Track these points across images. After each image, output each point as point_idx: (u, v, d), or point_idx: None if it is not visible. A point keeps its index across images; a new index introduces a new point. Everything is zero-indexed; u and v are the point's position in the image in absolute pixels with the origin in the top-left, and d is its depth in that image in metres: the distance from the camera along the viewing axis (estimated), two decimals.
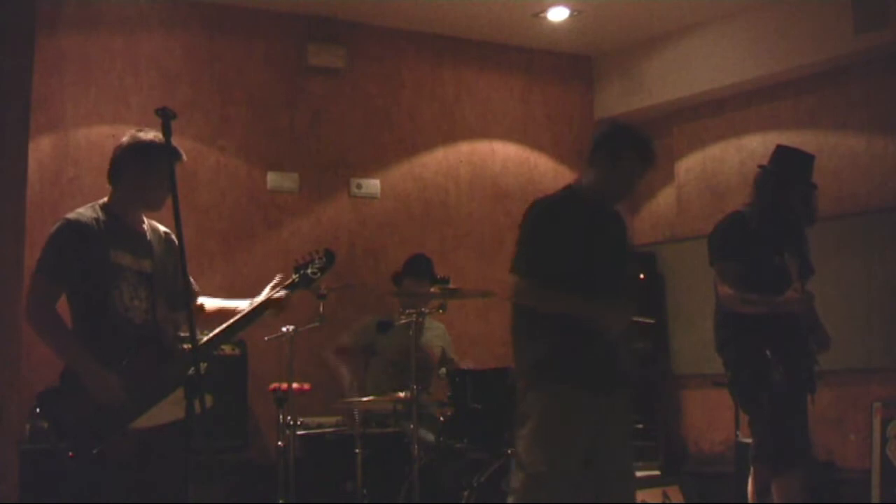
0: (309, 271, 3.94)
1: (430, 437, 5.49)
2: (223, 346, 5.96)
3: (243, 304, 3.85)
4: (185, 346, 3.67)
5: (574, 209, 3.92)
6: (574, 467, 3.72)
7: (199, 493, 3.14)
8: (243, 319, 3.79)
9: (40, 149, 6.06)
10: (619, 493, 3.86)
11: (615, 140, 3.95)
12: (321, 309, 5.35)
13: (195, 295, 3.85)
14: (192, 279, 3.71)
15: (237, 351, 6.12)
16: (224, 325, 3.78)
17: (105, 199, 3.71)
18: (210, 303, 3.94)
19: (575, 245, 3.85)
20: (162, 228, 3.82)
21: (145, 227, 3.76)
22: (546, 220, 3.91)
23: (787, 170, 4.81)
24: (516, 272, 3.91)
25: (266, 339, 5.47)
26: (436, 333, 6.24)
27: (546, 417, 3.78)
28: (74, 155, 6.22)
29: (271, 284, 3.89)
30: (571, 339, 3.80)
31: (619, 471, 3.88)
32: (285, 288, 3.88)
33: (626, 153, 3.90)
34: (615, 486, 3.85)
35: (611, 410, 3.84)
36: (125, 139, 3.72)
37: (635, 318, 5.29)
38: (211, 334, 3.77)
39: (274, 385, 5.58)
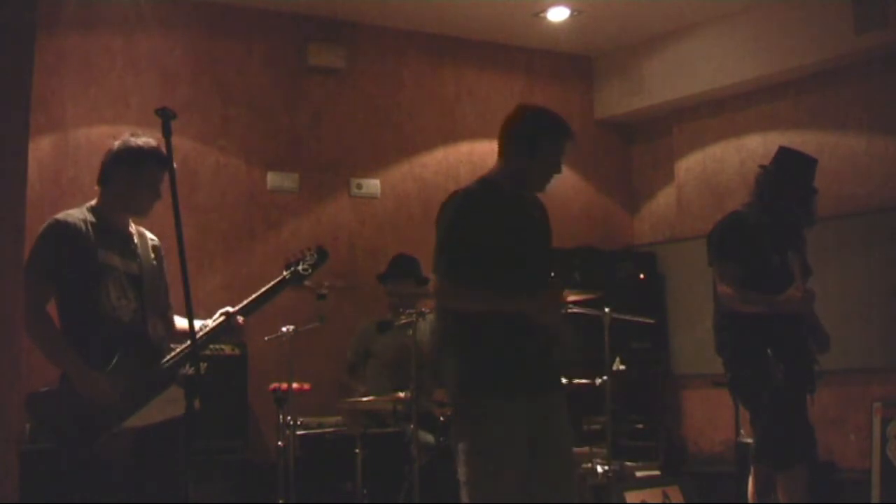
0: (300, 268, 3.91)
1: (430, 438, 5.49)
2: (223, 347, 5.97)
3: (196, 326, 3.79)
4: (172, 345, 3.70)
5: (494, 199, 3.71)
6: (515, 475, 3.56)
7: (199, 493, 3.14)
8: (203, 339, 3.71)
9: (40, 149, 6.07)
10: (562, 489, 3.70)
11: (530, 126, 3.80)
12: (321, 309, 5.35)
13: (169, 308, 3.83)
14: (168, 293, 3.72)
15: (237, 351, 6.12)
16: (182, 348, 3.70)
17: (93, 201, 3.73)
18: (179, 321, 3.88)
19: (499, 236, 3.65)
20: (150, 236, 3.82)
21: (132, 231, 3.76)
22: (466, 212, 3.67)
23: (789, 172, 4.81)
24: (438, 272, 3.64)
25: (266, 339, 5.47)
26: (430, 329, 6.18)
27: (481, 431, 3.58)
28: (74, 155, 6.22)
29: (220, 311, 3.78)
30: (501, 346, 3.60)
31: (560, 467, 3.71)
32: (237, 312, 3.78)
33: (545, 137, 3.76)
34: (559, 483, 3.69)
35: (549, 409, 3.68)
36: (116, 143, 3.72)
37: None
38: (176, 350, 3.73)
39: (274, 385, 5.58)
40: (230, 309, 3.77)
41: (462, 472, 3.61)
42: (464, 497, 3.59)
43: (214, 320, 3.75)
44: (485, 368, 3.61)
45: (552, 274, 3.84)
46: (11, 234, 3.41)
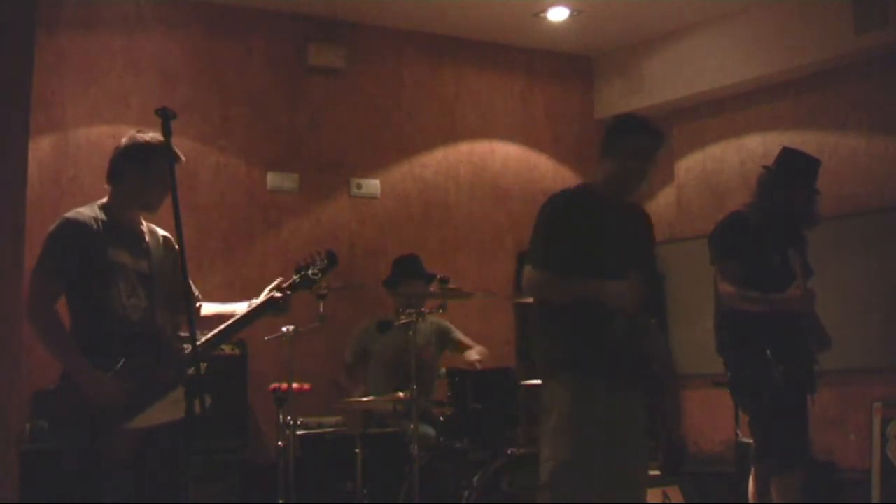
0: (310, 272, 3.95)
1: (431, 432, 5.49)
2: (223, 346, 5.96)
3: (241, 307, 3.85)
4: (184, 345, 3.68)
5: (589, 203, 3.97)
6: (598, 457, 3.78)
7: (199, 493, 3.14)
8: (242, 320, 3.81)
9: (40, 149, 6.07)
10: (635, 492, 3.95)
11: (619, 131, 4.01)
12: (321, 309, 5.34)
13: (196, 299, 3.85)
14: (192, 283, 3.71)
15: (237, 351, 6.12)
16: (223, 326, 3.79)
17: (104, 199, 3.73)
18: (208, 307, 3.93)
19: (590, 238, 3.89)
20: (161, 232, 3.82)
21: (143, 228, 3.77)
22: (561, 213, 3.94)
23: (791, 172, 4.81)
24: (531, 263, 3.94)
25: (266, 339, 5.47)
26: (426, 330, 6.18)
27: (568, 410, 3.82)
28: (74, 155, 6.22)
29: (271, 286, 3.90)
30: (590, 335, 3.86)
31: (637, 471, 3.97)
32: (285, 289, 3.88)
33: (631, 140, 3.95)
34: (632, 486, 3.93)
35: (627, 410, 3.91)
36: (124, 140, 3.73)
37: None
38: (209, 335, 3.77)
39: (274, 385, 5.57)
40: (276, 293, 3.86)
41: (545, 453, 3.83)
42: (543, 475, 3.81)
43: (262, 297, 3.86)
44: (573, 352, 3.87)
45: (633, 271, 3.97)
46: (11, 234, 3.41)
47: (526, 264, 3.98)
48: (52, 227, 3.62)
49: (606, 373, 3.84)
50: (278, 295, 3.85)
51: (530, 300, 4.27)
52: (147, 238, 3.75)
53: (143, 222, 3.78)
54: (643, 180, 4.03)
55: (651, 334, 4.13)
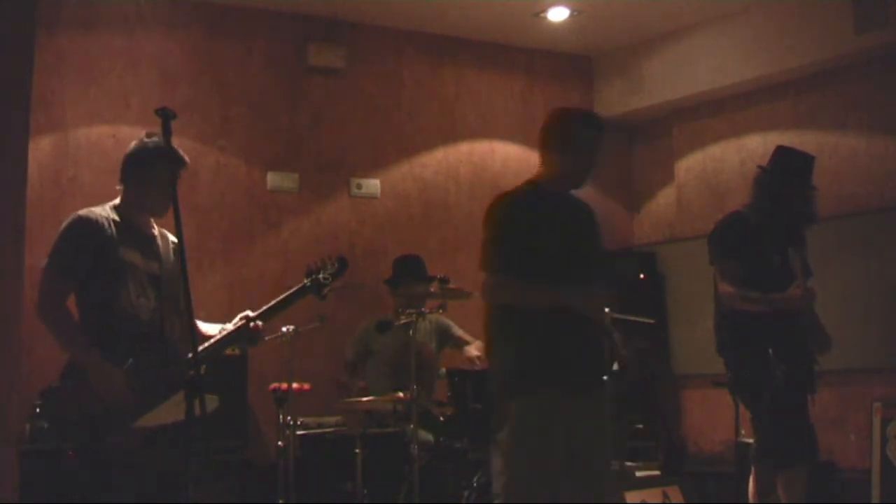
0: (321, 276, 3.93)
1: (429, 437, 5.49)
2: None
3: (212, 330, 3.80)
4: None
5: (539, 201, 3.86)
6: (554, 470, 3.69)
7: (199, 493, 3.14)
8: (210, 349, 3.72)
9: (40, 149, 6.06)
10: (596, 495, 3.81)
11: (563, 126, 3.92)
12: (321, 309, 5.34)
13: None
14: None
15: (237, 351, 6.11)
16: (206, 345, 3.72)
17: (116, 200, 3.75)
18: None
19: (545, 236, 3.79)
20: (171, 238, 3.83)
21: (155, 232, 3.78)
22: (513, 213, 3.83)
23: (787, 170, 4.81)
24: (487, 269, 3.82)
25: (266, 339, 5.45)
26: (427, 329, 6.19)
27: (525, 422, 3.73)
28: (74, 155, 6.22)
29: (241, 315, 3.80)
30: (548, 342, 3.74)
31: (596, 473, 3.83)
32: (255, 319, 3.79)
33: (577, 134, 3.87)
34: (592, 489, 3.80)
35: (589, 412, 3.79)
36: (132, 144, 3.75)
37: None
38: (206, 344, 3.75)
39: (274, 385, 5.58)
40: (250, 313, 3.78)
41: (499, 463, 3.80)
42: (497, 488, 3.68)
43: (234, 324, 3.77)
44: (531, 362, 3.75)
45: (601, 278, 3.90)
46: (11, 234, 3.42)
47: (482, 270, 3.85)
48: (64, 223, 3.63)
49: (563, 379, 3.73)
50: (252, 325, 3.75)
51: None
52: (158, 241, 3.77)
53: (155, 226, 3.80)
54: (590, 173, 3.92)
55: (609, 332, 4.06)
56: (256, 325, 3.77)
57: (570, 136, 3.87)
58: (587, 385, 3.81)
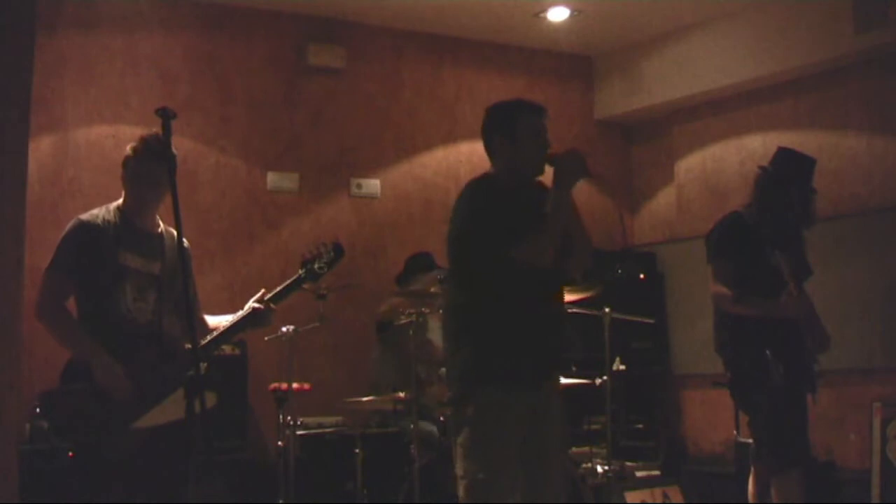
0: (316, 266, 3.90)
1: (434, 429, 5.48)
2: (223, 346, 5.95)
3: (226, 320, 3.83)
4: (187, 345, 3.68)
5: (493, 192, 3.79)
6: (511, 470, 3.65)
7: (199, 492, 3.14)
8: (226, 333, 3.77)
9: (40, 149, 6.06)
10: (553, 489, 3.78)
11: (502, 116, 3.86)
12: (321, 309, 5.35)
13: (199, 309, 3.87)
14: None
15: (237, 351, 6.12)
16: (207, 339, 3.76)
17: (119, 201, 3.78)
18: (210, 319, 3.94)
19: (501, 227, 3.69)
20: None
21: (161, 230, 3.78)
22: (477, 200, 3.77)
23: (787, 172, 4.81)
24: (455, 261, 3.82)
25: (266, 339, 5.47)
26: (434, 326, 6.17)
27: (478, 424, 3.68)
28: (74, 155, 6.22)
29: (254, 298, 3.83)
30: (494, 339, 3.69)
31: (552, 468, 3.78)
32: (268, 301, 3.81)
33: (518, 122, 3.81)
34: (550, 483, 3.77)
35: (541, 405, 3.75)
36: (129, 146, 3.76)
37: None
38: (209, 338, 3.77)
39: (274, 385, 5.58)
40: (256, 305, 3.79)
41: (458, 467, 3.69)
42: (460, 491, 3.65)
43: (244, 311, 3.80)
44: (481, 361, 3.70)
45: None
46: (11, 234, 3.41)
47: (448, 262, 3.83)
48: (66, 228, 3.69)
49: (514, 379, 3.68)
50: (259, 306, 3.79)
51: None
52: (164, 240, 3.78)
53: (161, 224, 3.80)
54: (542, 156, 3.83)
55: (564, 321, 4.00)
56: (267, 305, 3.78)
57: (513, 126, 3.80)
58: (535, 379, 3.75)
